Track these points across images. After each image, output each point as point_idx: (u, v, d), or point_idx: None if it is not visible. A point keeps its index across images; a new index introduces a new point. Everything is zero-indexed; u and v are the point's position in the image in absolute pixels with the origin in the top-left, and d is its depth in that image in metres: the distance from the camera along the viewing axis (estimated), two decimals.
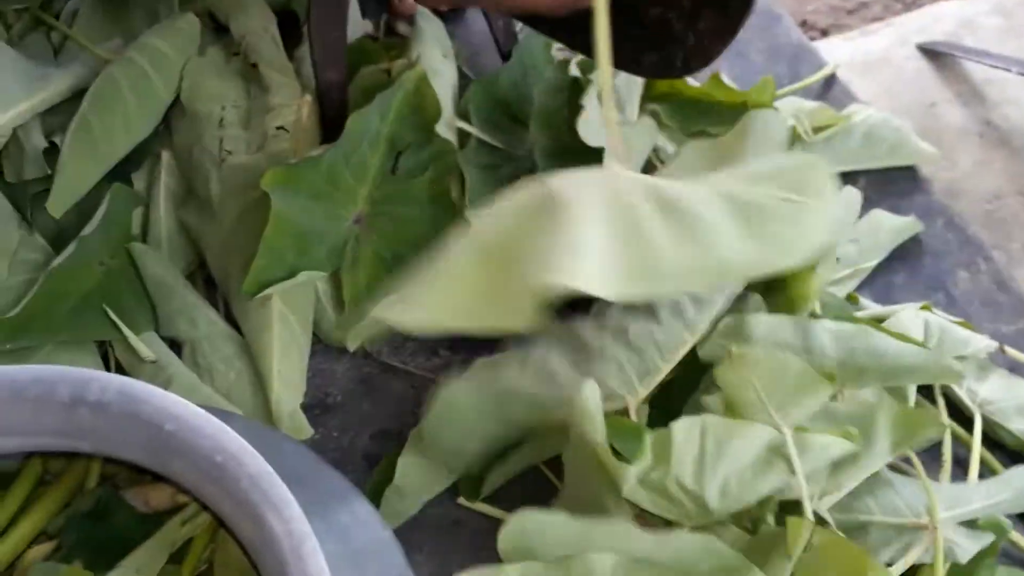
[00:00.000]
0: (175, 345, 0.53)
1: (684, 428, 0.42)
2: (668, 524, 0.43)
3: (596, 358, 0.46)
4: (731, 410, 0.45)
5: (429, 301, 0.30)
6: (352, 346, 0.54)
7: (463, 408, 0.46)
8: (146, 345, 0.51)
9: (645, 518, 0.43)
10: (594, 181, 0.32)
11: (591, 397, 0.42)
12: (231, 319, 0.54)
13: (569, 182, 0.32)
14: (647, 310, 0.46)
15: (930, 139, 0.64)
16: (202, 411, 0.31)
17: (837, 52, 0.75)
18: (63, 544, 0.39)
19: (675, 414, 0.45)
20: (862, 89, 0.76)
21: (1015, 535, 0.46)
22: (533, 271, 0.29)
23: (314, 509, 0.31)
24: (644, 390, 0.46)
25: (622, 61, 0.51)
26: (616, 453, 0.42)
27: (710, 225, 0.30)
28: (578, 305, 0.45)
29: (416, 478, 0.47)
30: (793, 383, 0.43)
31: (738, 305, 0.48)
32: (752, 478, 0.42)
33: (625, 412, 0.46)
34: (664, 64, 0.48)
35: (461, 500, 0.48)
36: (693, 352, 0.47)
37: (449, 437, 0.47)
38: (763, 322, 0.46)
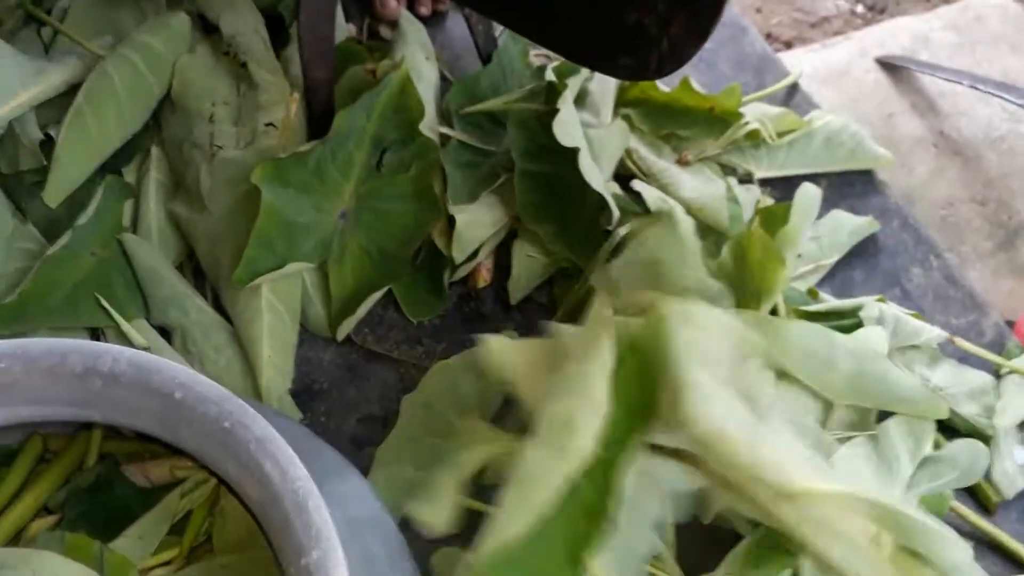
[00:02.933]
0: (165, 332, 0.54)
1: None
2: None
3: None
4: None
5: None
6: (340, 336, 0.56)
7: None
8: (137, 332, 0.53)
9: None
10: None
11: None
12: (219, 308, 0.55)
13: None
14: None
15: (888, 148, 0.67)
16: (209, 380, 0.33)
17: (800, 64, 0.78)
18: (66, 517, 0.40)
19: None
20: (824, 99, 0.79)
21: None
22: None
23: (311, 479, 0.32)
24: None
25: (600, 64, 0.54)
26: None
27: None
28: None
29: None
30: None
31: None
32: None
33: None
34: (638, 67, 0.50)
35: None
36: None
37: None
38: None
